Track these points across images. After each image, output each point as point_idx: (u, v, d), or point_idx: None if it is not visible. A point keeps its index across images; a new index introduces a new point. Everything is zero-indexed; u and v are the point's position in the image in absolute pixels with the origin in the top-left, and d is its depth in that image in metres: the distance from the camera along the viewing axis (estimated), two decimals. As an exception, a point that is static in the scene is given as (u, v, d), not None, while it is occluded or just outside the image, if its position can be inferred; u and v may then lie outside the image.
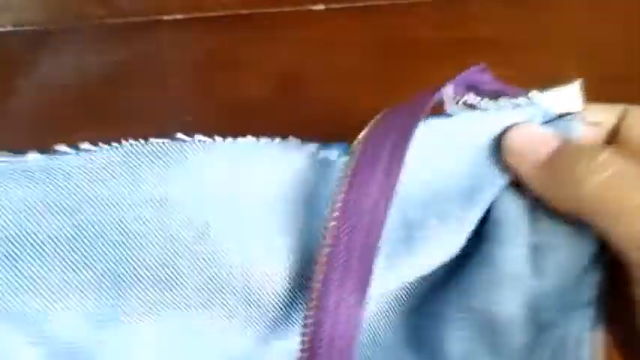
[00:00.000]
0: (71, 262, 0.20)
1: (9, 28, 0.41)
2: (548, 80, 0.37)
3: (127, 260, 0.20)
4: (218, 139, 0.21)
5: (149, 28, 0.41)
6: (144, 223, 0.20)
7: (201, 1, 0.42)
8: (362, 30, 0.41)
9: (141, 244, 0.20)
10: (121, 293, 0.20)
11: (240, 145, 0.21)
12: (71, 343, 0.20)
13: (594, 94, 0.33)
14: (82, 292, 0.20)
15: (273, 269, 0.21)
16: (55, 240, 0.20)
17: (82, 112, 0.37)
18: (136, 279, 0.20)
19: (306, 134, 0.36)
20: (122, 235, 0.20)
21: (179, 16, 0.41)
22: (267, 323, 0.22)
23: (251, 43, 0.40)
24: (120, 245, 0.20)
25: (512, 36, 0.40)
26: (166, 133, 0.35)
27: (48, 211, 0.20)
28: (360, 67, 0.38)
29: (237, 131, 0.36)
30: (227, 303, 0.21)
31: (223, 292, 0.21)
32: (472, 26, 0.41)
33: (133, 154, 0.20)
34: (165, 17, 0.41)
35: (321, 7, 0.42)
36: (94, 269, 0.20)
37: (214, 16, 0.41)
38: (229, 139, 0.21)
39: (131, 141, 0.20)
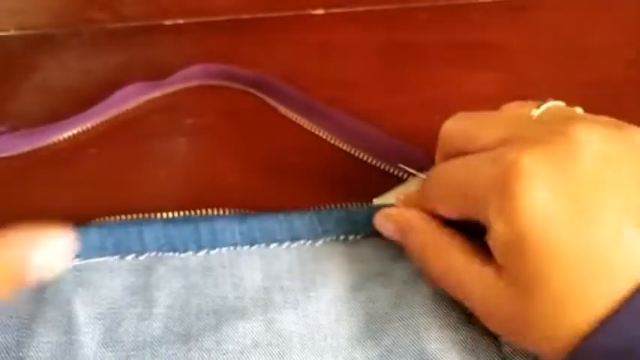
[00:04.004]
0: None
1: (12, 32, 0.41)
2: (549, 84, 0.37)
3: None
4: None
5: (150, 32, 0.41)
6: None
7: (202, 6, 0.42)
8: (362, 34, 0.41)
9: None
10: None
11: None
12: None
13: (597, 97, 0.33)
14: None
15: None
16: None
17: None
18: None
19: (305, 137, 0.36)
20: None
21: (180, 21, 0.42)
22: None
23: (252, 47, 0.40)
24: None
25: (513, 41, 0.40)
26: (167, 136, 0.35)
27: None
28: (359, 70, 0.38)
29: (238, 135, 0.36)
30: None
31: None
32: (472, 31, 0.41)
33: None
34: (167, 22, 0.42)
35: (321, 11, 0.42)
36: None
37: (215, 20, 0.42)
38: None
39: None
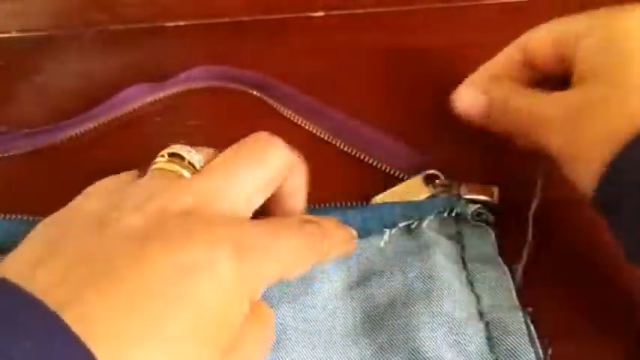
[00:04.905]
0: None
1: (13, 34, 0.42)
2: (546, 85, 0.37)
3: None
4: None
5: (152, 34, 0.41)
6: None
7: (203, 8, 0.42)
8: (361, 36, 0.41)
9: None
10: None
11: None
12: None
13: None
14: None
15: None
16: None
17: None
18: None
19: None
20: None
21: (181, 23, 0.42)
22: None
23: (253, 49, 0.40)
24: None
25: (511, 42, 0.40)
26: (169, 137, 0.35)
27: None
28: (359, 72, 0.39)
29: (239, 136, 0.36)
30: None
31: None
32: (470, 33, 0.41)
33: None
34: (168, 24, 0.42)
35: (320, 13, 0.42)
36: None
37: (217, 22, 0.42)
38: None
39: None
